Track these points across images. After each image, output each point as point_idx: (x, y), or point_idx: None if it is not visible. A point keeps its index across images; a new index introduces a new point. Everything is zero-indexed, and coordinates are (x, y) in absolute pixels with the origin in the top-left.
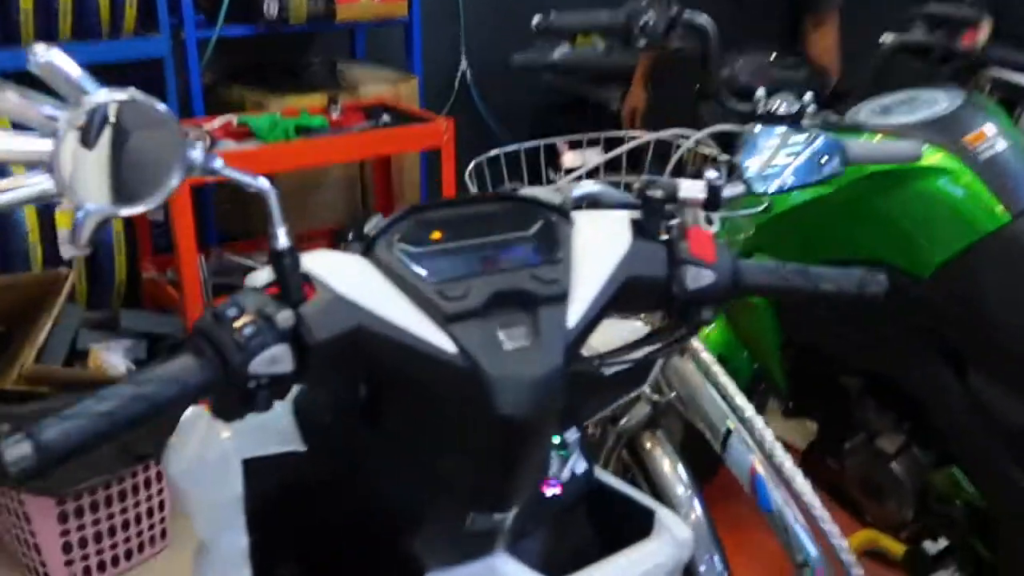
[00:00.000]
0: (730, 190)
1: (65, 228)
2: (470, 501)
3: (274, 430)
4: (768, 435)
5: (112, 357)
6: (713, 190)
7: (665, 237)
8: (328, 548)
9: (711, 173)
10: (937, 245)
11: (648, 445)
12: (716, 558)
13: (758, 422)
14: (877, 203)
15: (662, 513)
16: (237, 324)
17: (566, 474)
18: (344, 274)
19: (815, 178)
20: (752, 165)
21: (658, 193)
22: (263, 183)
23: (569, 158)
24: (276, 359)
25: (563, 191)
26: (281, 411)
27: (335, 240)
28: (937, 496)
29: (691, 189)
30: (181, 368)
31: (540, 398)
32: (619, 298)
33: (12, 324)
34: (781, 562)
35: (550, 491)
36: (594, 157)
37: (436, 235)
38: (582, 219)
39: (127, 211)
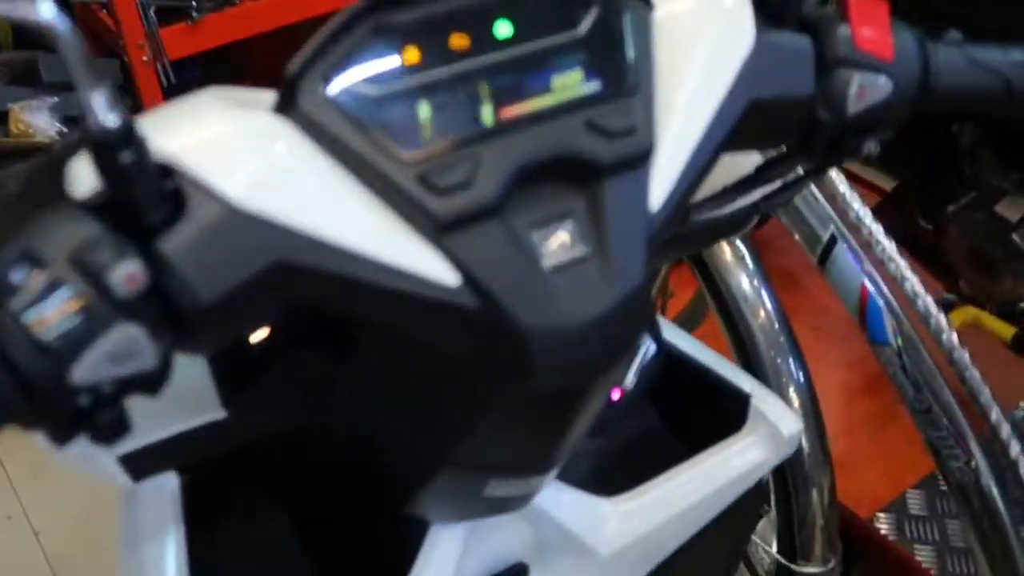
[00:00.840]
0: None
1: None
2: (490, 469)
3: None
4: (887, 245)
5: (38, 118)
6: None
7: (809, 17)
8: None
9: None
10: None
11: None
12: (813, 426)
13: (874, 227)
14: None
15: (759, 396)
16: (26, 304)
17: (632, 377)
18: (242, 160)
19: None
20: None
21: None
22: (45, 12)
23: None
24: (119, 353)
25: None
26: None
27: None
28: None
29: None
30: None
31: (611, 345)
32: (736, 134)
33: None
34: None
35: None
36: None
37: (411, 56)
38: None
39: None
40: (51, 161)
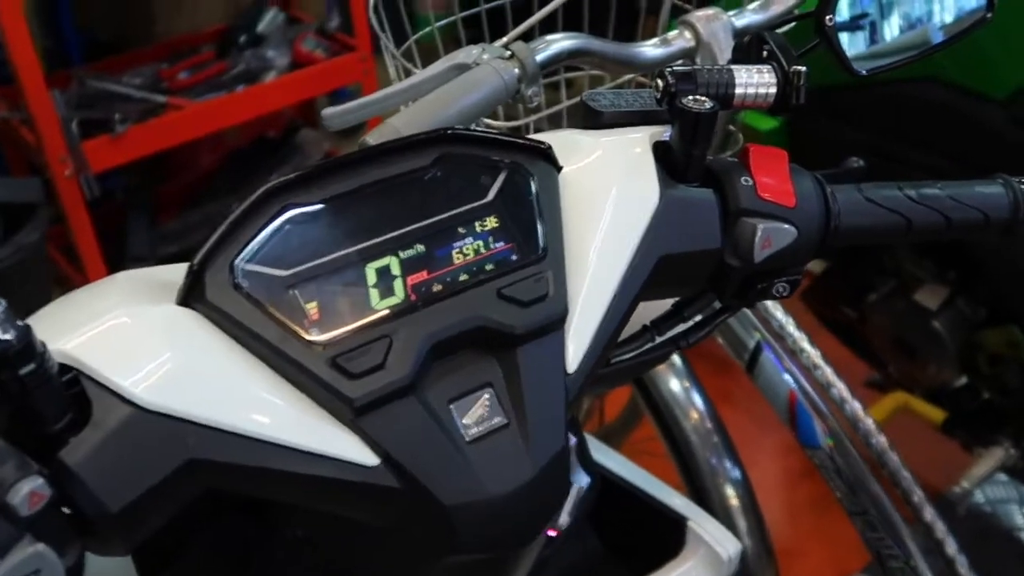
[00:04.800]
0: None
1: None
2: None
3: None
4: (812, 352)
5: None
6: (791, 81)
7: (712, 169)
8: None
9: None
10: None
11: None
12: (754, 524)
13: (797, 334)
14: None
15: (695, 519)
16: None
17: (566, 517)
18: (147, 357)
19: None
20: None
21: (700, 95)
22: None
23: None
24: (25, 573)
25: (519, 55)
26: None
27: (222, 45)
28: (989, 358)
29: (757, 82)
30: None
31: (538, 513)
32: (648, 288)
33: None
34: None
35: (545, 540)
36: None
37: (318, 236)
38: (573, 155)
39: None
40: None
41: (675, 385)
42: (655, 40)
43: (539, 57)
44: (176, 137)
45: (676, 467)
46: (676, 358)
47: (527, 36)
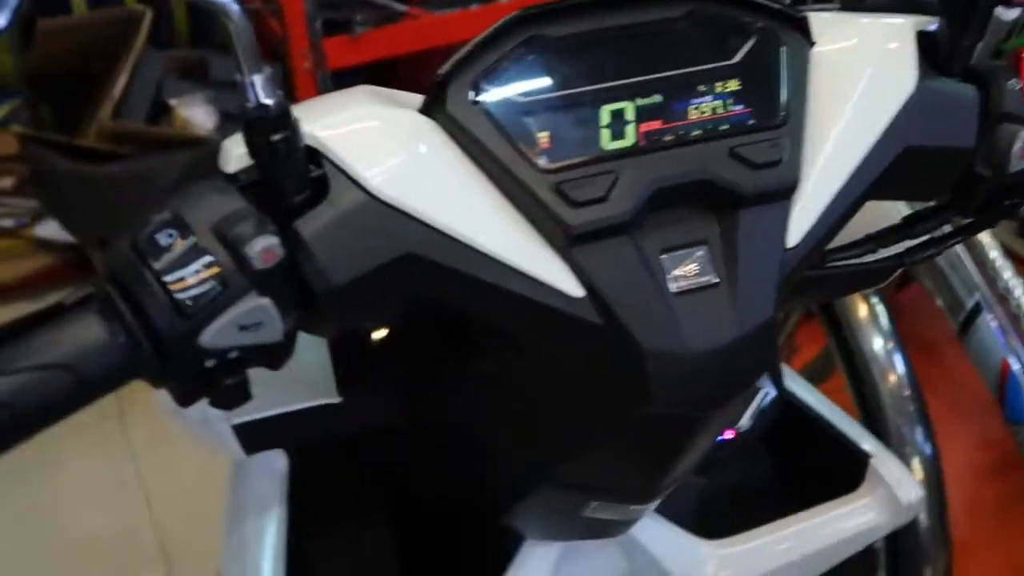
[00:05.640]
0: None
1: None
2: (591, 490)
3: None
4: None
5: (198, 113)
6: None
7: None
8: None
9: None
10: None
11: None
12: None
13: (1023, 297)
14: None
15: (880, 458)
16: (170, 266)
17: (747, 419)
18: (386, 153)
19: None
20: None
21: None
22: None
23: None
24: (248, 323)
25: None
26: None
27: None
28: None
29: None
30: (78, 343)
31: (731, 378)
32: (886, 180)
33: (86, 73)
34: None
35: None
36: None
37: (560, 70)
38: (827, 33)
39: None
40: (213, 146)
41: (877, 343)
42: None
43: None
44: (409, 44)
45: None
46: (883, 316)
47: None
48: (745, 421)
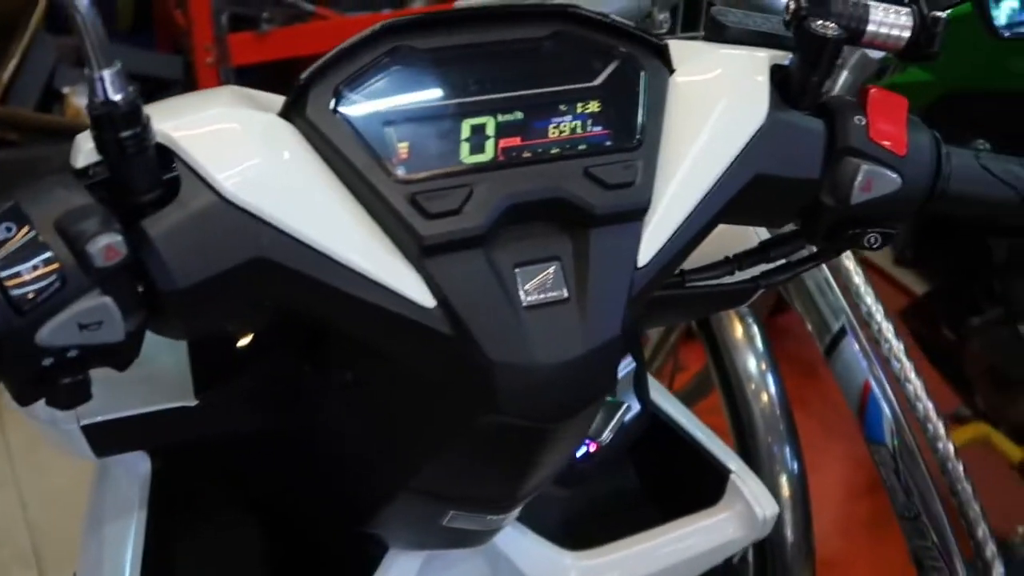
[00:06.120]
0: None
1: None
2: (449, 499)
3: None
4: (895, 345)
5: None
6: (928, 26)
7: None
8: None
9: None
10: None
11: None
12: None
13: (884, 324)
14: None
15: (739, 474)
16: (5, 260)
17: (608, 433)
18: (240, 155)
19: None
20: None
21: (829, 23)
22: None
23: None
24: (88, 321)
25: None
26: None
27: None
28: None
29: (892, 22)
30: None
31: (580, 393)
32: (737, 205)
33: None
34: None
35: (582, 451)
36: None
37: (423, 81)
38: (688, 62)
39: None
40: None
41: (752, 363)
42: None
43: None
44: (316, 45)
45: (735, 446)
46: (758, 337)
47: None
48: (607, 435)
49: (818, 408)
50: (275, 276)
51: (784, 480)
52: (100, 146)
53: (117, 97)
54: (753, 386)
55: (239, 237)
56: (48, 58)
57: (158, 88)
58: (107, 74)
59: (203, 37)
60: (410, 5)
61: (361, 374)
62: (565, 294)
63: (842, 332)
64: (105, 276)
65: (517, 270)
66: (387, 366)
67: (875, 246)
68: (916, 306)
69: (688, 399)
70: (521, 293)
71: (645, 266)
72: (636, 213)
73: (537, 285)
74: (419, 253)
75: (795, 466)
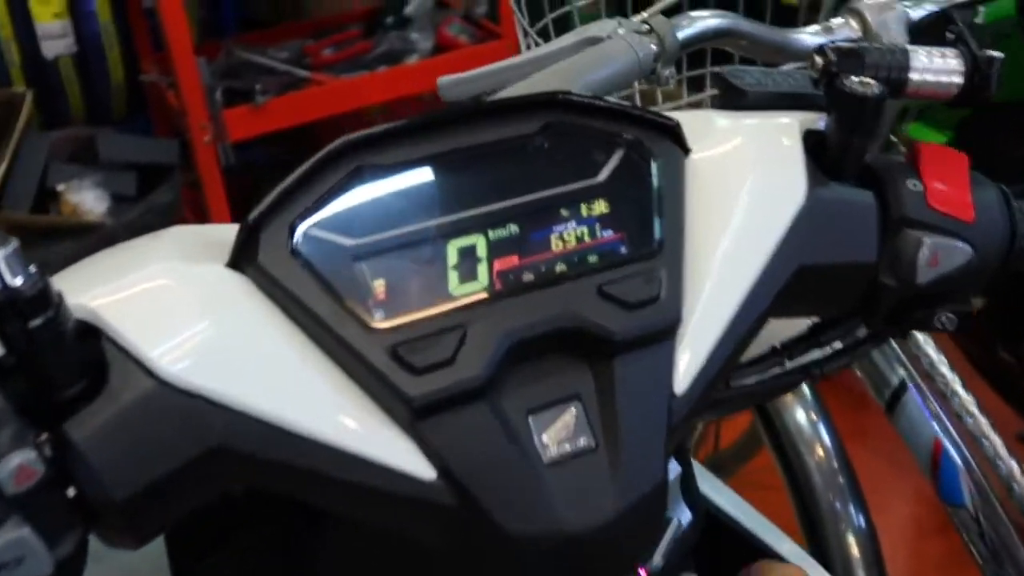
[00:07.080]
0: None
1: (46, 22)
2: None
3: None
4: (965, 398)
5: (88, 197)
6: (981, 68)
7: (873, 168)
8: None
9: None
10: None
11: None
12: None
13: (950, 376)
14: None
15: (805, 568)
16: None
17: (660, 557)
18: (179, 322)
19: None
20: None
21: (866, 77)
22: None
23: None
24: (5, 560)
25: (658, 30)
26: None
27: (369, 25)
28: None
29: (939, 67)
30: None
31: (618, 561)
32: (781, 302)
33: None
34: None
35: None
36: None
37: (393, 203)
38: (704, 137)
39: None
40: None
41: (801, 417)
42: (816, 27)
43: (681, 34)
44: (314, 112)
45: (794, 507)
46: (805, 387)
47: (671, 13)
48: (659, 559)
49: (877, 439)
50: (238, 466)
51: (851, 539)
52: (4, 339)
53: (17, 282)
54: (806, 440)
55: (187, 427)
56: (40, 156)
57: (156, 175)
58: (1, 254)
59: (198, 116)
60: (406, 61)
61: (360, 546)
62: (592, 442)
63: (903, 387)
64: (23, 502)
65: (531, 418)
66: (388, 538)
67: (948, 328)
68: (971, 326)
69: (736, 458)
70: (538, 446)
71: (684, 393)
72: (666, 333)
73: (557, 434)
74: (410, 417)
75: (861, 520)
